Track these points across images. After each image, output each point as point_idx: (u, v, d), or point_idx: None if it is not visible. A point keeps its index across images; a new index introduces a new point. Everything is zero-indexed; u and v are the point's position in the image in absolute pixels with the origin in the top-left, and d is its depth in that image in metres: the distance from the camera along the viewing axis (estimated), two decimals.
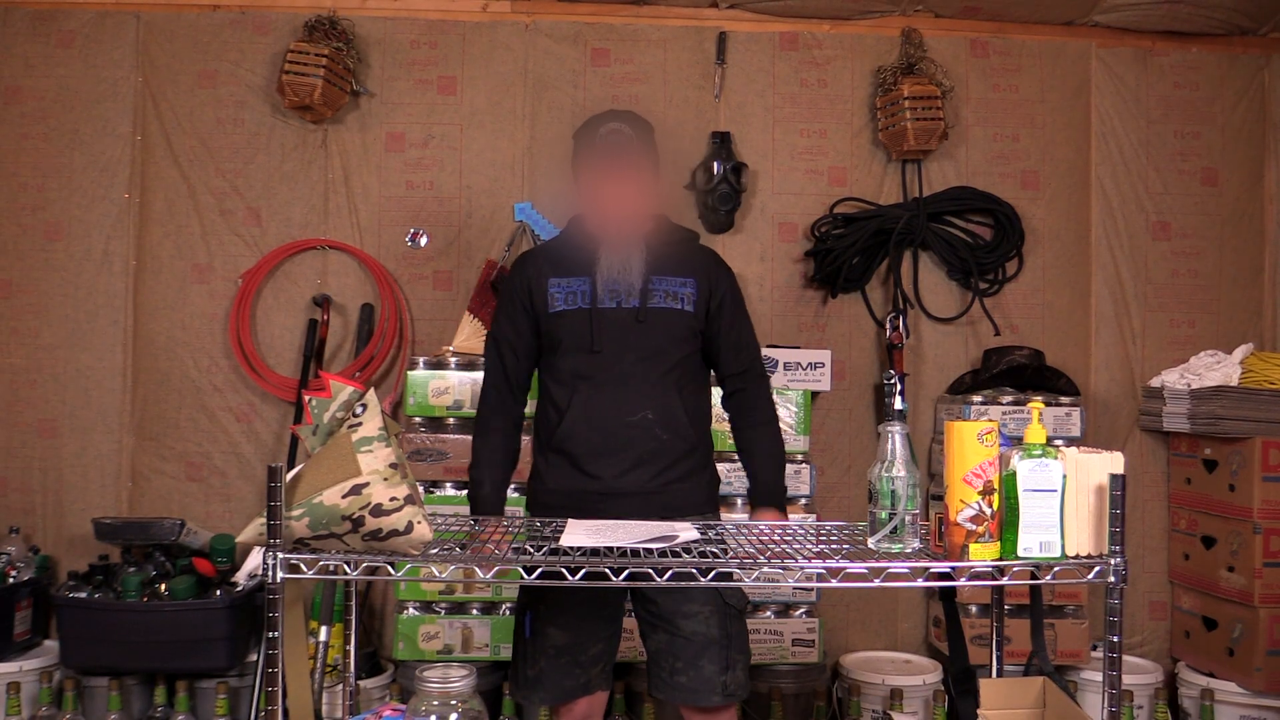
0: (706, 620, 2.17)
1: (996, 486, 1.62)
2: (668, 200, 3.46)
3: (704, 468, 2.29)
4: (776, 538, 1.92)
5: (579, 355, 2.19)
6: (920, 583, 1.75)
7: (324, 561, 1.61)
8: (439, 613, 3.10)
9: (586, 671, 2.21)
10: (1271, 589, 3.12)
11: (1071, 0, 3.48)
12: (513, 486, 3.11)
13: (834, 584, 1.65)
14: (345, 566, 1.62)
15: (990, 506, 1.61)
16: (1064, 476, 1.63)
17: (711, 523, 2.09)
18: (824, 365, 3.34)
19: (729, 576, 1.77)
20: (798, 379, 3.30)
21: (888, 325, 3.48)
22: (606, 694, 2.29)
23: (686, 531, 1.86)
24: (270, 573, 1.57)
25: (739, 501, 3.19)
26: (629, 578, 1.64)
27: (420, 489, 2.01)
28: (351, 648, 2.08)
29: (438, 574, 1.65)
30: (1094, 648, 3.28)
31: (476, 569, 1.68)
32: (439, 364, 3.20)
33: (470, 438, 3.09)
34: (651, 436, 2.17)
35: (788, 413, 3.17)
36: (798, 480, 3.18)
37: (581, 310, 2.19)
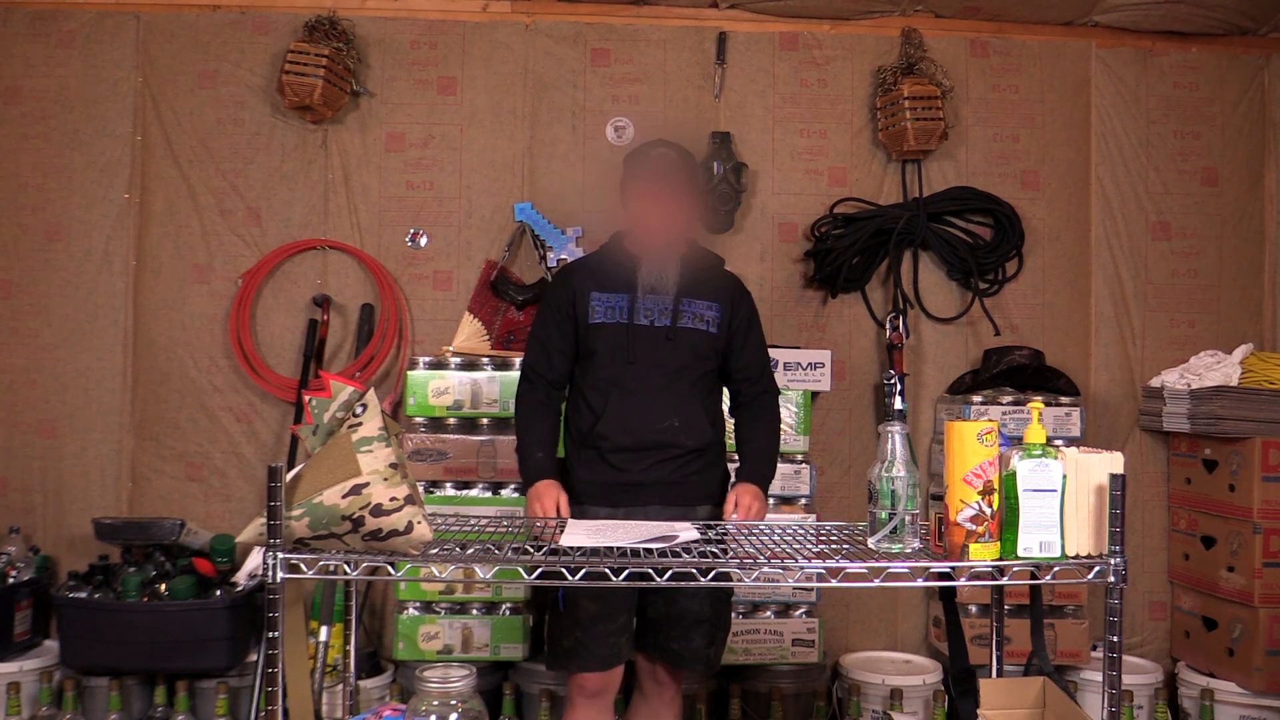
0: (702, 601, 2.40)
1: (996, 486, 1.62)
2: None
3: (717, 463, 2.51)
4: (776, 538, 1.92)
5: (615, 365, 2.41)
6: (920, 583, 1.76)
7: (324, 561, 1.61)
8: (439, 613, 3.10)
9: (617, 639, 2.38)
10: (1271, 589, 3.12)
11: (1071, 0, 3.48)
12: (512, 486, 3.13)
13: (834, 584, 1.65)
14: (345, 566, 1.62)
15: (990, 506, 1.61)
16: (1064, 476, 1.64)
17: (712, 522, 2.13)
18: (824, 365, 3.34)
19: (729, 576, 1.78)
20: (798, 379, 3.30)
21: (888, 325, 3.48)
22: (623, 667, 2.45)
23: (686, 532, 1.87)
24: (270, 573, 1.57)
25: None
26: (629, 578, 1.64)
27: (420, 489, 2.01)
28: (351, 648, 2.08)
29: (438, 574, 1.65)
30: (1094, 648, 3.28)
31: (476, 569, 1.68)
32: (439, 364, 3.20)
33: (470, 438, 3.13)
34: (676, 442, 2.40)
35: (788, 413, 3.17)
36: (798, 480, 3.18)
37: (619, 325, 2.42)
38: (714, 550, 1.72)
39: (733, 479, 2.47)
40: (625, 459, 2.39)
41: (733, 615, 3.13)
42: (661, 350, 2.41)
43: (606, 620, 2.35)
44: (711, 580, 1.66)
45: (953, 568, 1.64)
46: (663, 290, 2.42)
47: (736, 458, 2.53)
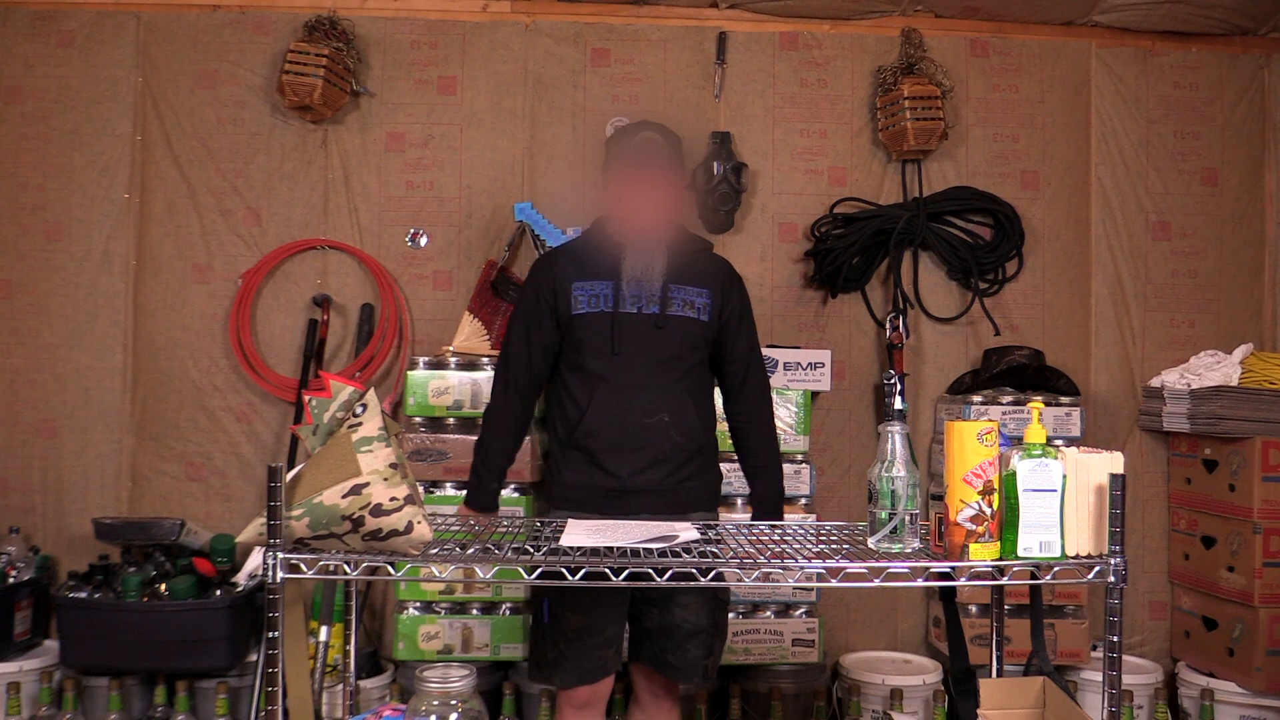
0: (698, 610, 2.32)
1: (996, 486, 1.62)
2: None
3: (711, 467, 2.41)
4: (776, 538, 1.92)
5: (599, 357, 2.29)
6: (920, 583, 1.76)
7: (324, 561, 1.61)
8: (439, 613, 3.10)
9: (604, 652, 2.30)
10: (1271, 589, 3.12)
11: (1071, 0, 3.48)
12: (513, 486, 3.13)
13: (834, 584, 1.65)
14: (345, 566, 1.62)
15: (990, 506, 1.61)
16: (1064, 476, 1.64)
17: (711, 522, 2.12)
18: (824, 365, 3.34)
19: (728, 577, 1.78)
20: (798, 379, 3.30)
21: (888, 325, 3.48)
22: (613, 677, 2.38)
23: (686, 532, 1.87)
24: (270, 573, 1.57)
25: (739, 501, 3.19)
26: (629, 578, 1.64)
27: (420, 489, 2.01)
28: (351, 648, 2.08)
29: (438, 574, 1.65)
30: (1094, 648, 3.28)
31: (476, 569, 1.68)
32: (439, 364, 3.20)
33: (470, 438, 3.12)
34: (666, 439, 2.29)
35: (788, 413, 3.17)
36: (798, 480, 3.18)
37: (604, 314, 2.29)
38: (713, 550, 1.72)
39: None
40: (615, 460, 2.27)
41: (733, 615, 3.14)
42: (650, 339, 2.29)
43: (592, 633, 2.28)
44: (712, 580, 1.65)
45: (953, 568, 1.64)
46: (649, 277, 2.28)
47: (740, 467, 2.46)
